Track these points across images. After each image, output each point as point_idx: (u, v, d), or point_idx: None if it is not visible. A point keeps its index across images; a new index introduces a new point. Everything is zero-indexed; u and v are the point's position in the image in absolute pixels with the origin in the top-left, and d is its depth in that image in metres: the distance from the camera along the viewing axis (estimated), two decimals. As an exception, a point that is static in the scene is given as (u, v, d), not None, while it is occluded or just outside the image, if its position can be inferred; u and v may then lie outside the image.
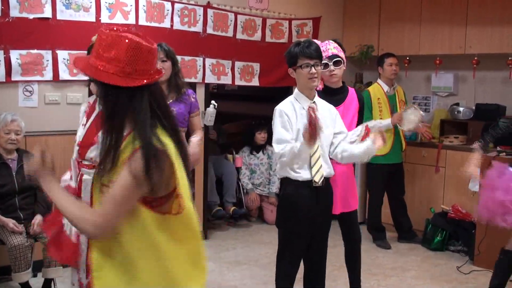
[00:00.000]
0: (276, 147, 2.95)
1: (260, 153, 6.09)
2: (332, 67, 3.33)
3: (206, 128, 5.07)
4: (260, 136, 6.06)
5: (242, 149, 6.18)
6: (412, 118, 4.90)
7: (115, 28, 1.72)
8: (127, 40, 1.67)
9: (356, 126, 3.43)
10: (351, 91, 3.51)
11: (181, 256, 1.79)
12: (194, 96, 3.67)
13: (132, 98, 1.70)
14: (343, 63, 3.39)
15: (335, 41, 3.45)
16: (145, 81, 1.69)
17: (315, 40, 3.29)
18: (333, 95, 3.35)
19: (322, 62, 3.26)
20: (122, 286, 1.73)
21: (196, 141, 3.55)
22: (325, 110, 3.06)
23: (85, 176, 3.01)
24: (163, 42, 3.63)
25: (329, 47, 3.35)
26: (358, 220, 5.83)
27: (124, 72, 1.66)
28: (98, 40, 1.70)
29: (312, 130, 2.68)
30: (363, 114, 3.54)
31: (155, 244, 1.72)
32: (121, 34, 1.68)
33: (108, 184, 1.69)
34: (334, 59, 3.33)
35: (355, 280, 3.66)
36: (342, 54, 3.39)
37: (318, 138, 2.74)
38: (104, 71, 1.67)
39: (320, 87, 3.32)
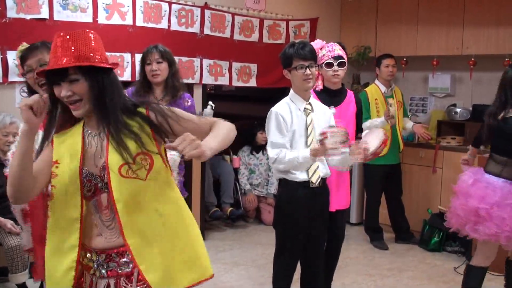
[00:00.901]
0: (271, 152, 2.93)
1: (260, 153, 6.07)
2: (336, 67, 3.34)
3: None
4: (262, 136, 6.02)
5: (242, 149, 6.17)
6: (392, 112, 4.89)
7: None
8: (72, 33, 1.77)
9: (356, 129, 3.44)
10: (350, 93, 3.51)
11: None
12: (191, 100, 3.62)
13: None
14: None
15: (339, 43, 3.46)
16: (106, 65, 1.78)
17: (320, 41, 3.31)
18: (332, 96, 3.36)
19: (327, 61, 3.28)
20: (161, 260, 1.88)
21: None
22: (320, 112, 3.07)
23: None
24: (159, 43, 3.63)
25: (335, 48, 3.37)
26: (356, 221, 5.96)
27: (83, 56, 1.73)
28: (53, 47, 1.76)
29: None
30: (362, 117, 3.55)
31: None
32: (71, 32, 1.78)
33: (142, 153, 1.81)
34: (339, 60, 3.34)
35: (328, 278, 3.63)
36: (345, 57, 3.42)
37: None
38: (72, 60, 1.73)
39: (320, 87, 3.33)
